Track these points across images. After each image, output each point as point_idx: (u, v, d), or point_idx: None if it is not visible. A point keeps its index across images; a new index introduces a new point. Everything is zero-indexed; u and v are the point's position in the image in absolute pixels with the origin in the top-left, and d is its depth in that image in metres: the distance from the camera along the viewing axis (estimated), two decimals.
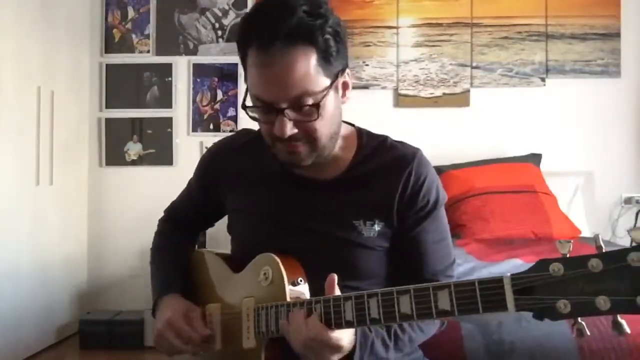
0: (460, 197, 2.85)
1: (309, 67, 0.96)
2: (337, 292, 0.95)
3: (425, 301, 0.83)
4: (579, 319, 0.72)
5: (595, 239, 0.71)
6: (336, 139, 1.09)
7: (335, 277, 0.95)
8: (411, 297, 0.84)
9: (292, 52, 0.95)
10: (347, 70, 1.06)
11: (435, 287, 0.83)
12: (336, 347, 0.93)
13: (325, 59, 0.98)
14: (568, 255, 0.72)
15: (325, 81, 0.99)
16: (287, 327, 0.96)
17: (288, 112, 0.98)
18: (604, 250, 0.69)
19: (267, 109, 1.00)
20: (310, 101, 0.97)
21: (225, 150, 1.24)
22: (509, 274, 0.76)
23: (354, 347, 0.97)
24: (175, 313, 1.13)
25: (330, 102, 1.01)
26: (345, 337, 0.94)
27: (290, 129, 0.99)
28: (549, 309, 0.72)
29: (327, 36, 0.97)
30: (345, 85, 1.07)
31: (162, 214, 1.41)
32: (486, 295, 0.77)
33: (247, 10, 3.05)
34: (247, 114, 1.03)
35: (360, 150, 1.14)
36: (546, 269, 0.72)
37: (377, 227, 1.09)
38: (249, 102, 1.02)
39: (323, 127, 1.02)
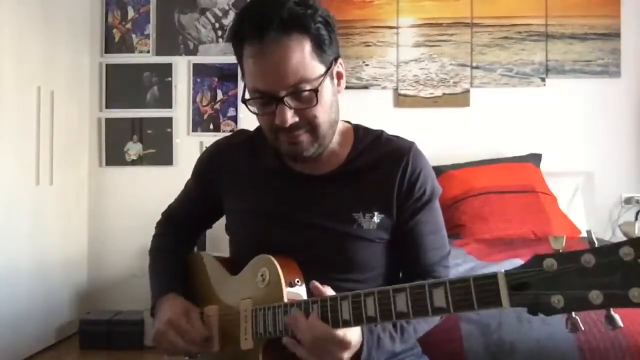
0: (460, 197, 2.85)
1: (304, 55, 0.99)
2: (329, 291, 0.96)
3: (421, 299, 0.83)
4: (573, 314, 0.72)
5: (588, 234, 0.71)
6: (335, 128, 1.11)
7: (317, 283, 0.97)
8: (407, 295, 0.85)
9: (287, 40, 0.97)
10: (340, 60, 1.09)
11: (430, 284, 0.83)
12: (345, 344, 0.93)
13: (318, 46, 1.01)
14: (561, 251, 0.72)
15: (320, 68, 1.01)
16: (295, 327, 0.96)
17: (287, 100, 1.00)
18: (596, 245, 0.70)
19: (266, 100, 1.02)
20: (308, 87, 1.00)
21: (222, 149, 1.25)
22: (503, 270, 0.76)
23: (362, 344, 0.98)
24: (176, 312, 1.14)
25: (327, 89, 1.04)
26: (351, 333, 0.94)
27: (291, 117, 1.01)
28: (543, 304, 0.72)
29: (319, 25, 1.00)
30: (339, 75, 1.10)
31: (161, 214, 1.40)
32: (481, 291, 0.77)
33: None
34: (247, 108, 1.05)
35: (356, 145, 1.16)
36: (540, 264, 0.73)
37: (376, 219, 1.10)
38: (247, 97, 1.04)
39: (322, 113, 1.04)
